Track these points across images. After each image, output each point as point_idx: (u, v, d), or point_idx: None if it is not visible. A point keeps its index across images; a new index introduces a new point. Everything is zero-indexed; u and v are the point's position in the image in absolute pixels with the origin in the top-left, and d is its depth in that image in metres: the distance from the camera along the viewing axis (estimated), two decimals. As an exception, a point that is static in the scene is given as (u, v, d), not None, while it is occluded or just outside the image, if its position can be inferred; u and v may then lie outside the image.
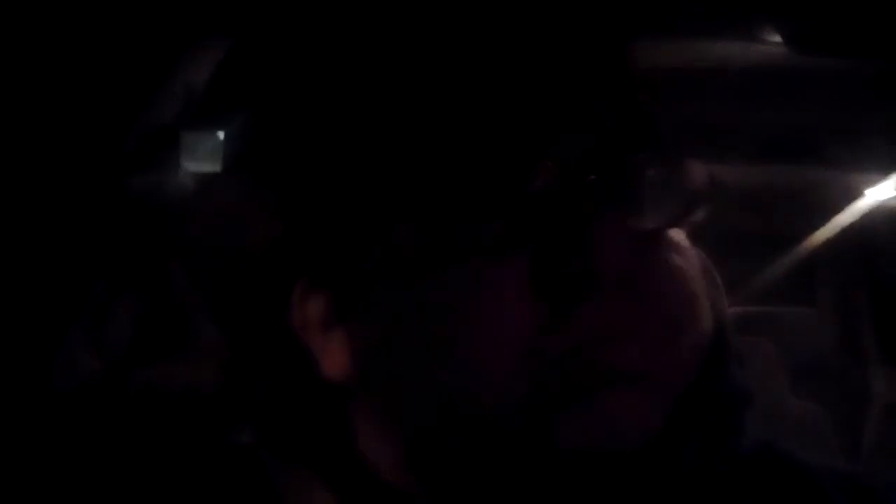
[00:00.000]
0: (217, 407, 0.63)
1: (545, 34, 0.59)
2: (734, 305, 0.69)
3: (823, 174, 2.41)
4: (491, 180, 0.57)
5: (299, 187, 0.62)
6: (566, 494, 0.57)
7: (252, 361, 0.62)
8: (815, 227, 2.55)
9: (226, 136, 0.70)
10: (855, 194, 2.47)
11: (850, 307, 2.60)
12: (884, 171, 2.39)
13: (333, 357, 0.60)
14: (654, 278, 0.57)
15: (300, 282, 0.61)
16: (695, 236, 0.62)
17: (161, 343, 0.88)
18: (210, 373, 0.66)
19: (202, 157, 0.82)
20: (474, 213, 0.57)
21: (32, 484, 0.65)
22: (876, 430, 2.57)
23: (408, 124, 0.58)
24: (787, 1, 1.19)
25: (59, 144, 0.73)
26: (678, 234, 0.60)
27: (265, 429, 0.62)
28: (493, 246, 0.57)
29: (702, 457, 0.60)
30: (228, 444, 0.62)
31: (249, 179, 0.64)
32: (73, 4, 0.71)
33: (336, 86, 0.61)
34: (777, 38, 1.51)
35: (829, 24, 1.23)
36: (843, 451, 2.38)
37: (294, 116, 0.63)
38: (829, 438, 2.34)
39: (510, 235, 0.56)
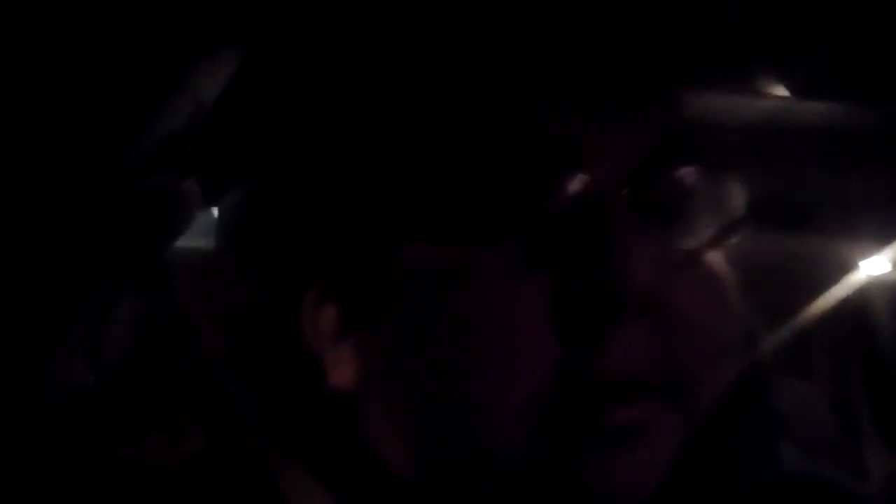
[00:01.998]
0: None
1: (579, 43, 0.56)
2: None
3: (817, 245, 2.40)
4: (514, 193, 0.54)
5: (312, 193, 0.59)
6: None
7: (254, 370, 0.61)
8: (810, 300, 2.54)
9: (220, 211, 0.70)
10: (849, 267, 2.46)
11: (845, 382, 2.58)
12: (878, 244, 2.38)
13: (343, 367, 0.58)
14: (690, 304, 0.54)
15: (312, 291, 0.59)
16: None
17: (158, 358, 0.86)
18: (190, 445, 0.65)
19: (195, 233, 0.81)
20: (493, 228, 0.54)
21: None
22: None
23: (424, 134, 0.56)
24: (794, 46, 1.16)
25: (63, 145, 0.71)
26: (715, 256, 0.57)
27: (268, 433, 0.61)
28: (514, 264, 0.53)
29: (734, 483, 0.58)
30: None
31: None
32: (83, 7, 0.69)
33: (346, 92, 0.59)
34: (773, 90, 1.48)
35: (839, 68, 1.21)
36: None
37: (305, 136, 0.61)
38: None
39: (533, 253, 0.53)
